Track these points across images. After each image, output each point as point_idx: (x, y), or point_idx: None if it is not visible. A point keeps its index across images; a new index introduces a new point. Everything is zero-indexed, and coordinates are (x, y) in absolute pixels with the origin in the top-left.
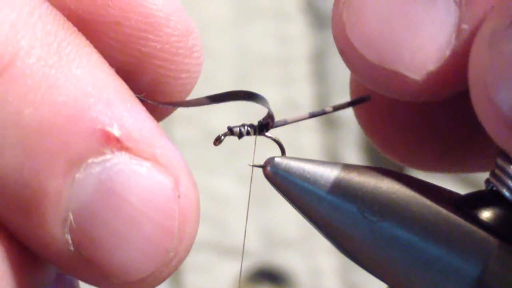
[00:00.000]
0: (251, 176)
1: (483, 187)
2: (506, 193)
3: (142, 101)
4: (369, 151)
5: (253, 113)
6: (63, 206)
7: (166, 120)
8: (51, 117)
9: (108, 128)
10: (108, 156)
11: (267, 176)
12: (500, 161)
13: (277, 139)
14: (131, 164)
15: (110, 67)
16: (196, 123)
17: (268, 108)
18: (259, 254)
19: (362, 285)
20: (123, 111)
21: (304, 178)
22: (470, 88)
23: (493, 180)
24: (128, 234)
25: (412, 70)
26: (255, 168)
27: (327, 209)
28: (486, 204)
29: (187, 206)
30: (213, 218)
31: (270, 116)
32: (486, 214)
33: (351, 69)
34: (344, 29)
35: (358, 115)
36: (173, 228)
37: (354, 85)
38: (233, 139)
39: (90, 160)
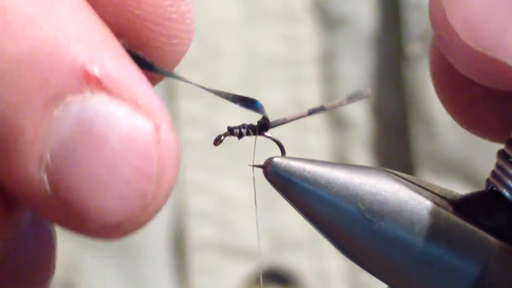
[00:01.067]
0: (253, 176)
1: (483, 187)
2: (506, 193)
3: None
4: (377, 152)
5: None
6: (39, 144)
7: (174, 120)
8: (30, 52)
9: (88, 67)
10: (87, 95)
11: (267, 176)
12: (500, 161)
13: (277, 139)
14: (111, 106)
15: (93, 11)
16: (203, 124)
17: (263, 112)
18: (267, 256)
19: (370, 287)
20: (104, 52)
21: (304, 178)
22: None
23: (493, 180)
24: (105, 176)
25: None
26: (259, 169)
27: (327, 209)
28: (486, 204)
29: (167, 151)
30: (221, 219)
31: (265, 119)
32: (486, 214)
33: (450, 56)
34: (444, 13)
35: (436, 84)
36: (151, 172)
37: (436, 57)
38: (240, 140)
39: (69, 98)
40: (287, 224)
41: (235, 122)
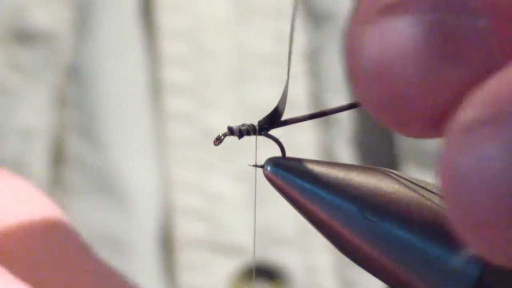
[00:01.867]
0: (255, 177)
1: None
2: None
3: None
4: (362, 147)
5: (253, 113)
6: None
7: (163, 118)
8: None
9: None
10: None
11: (267, 176)
12: None
13: (277, 139)
14: None
15: None
16: (192, 121)
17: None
18: (255, 252)
19: (358, 283)
20: None
21: (304, 178)
22: None
23: None
24: None
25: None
26: (250, 167)
27: (327, 209)
28: None
29: None
30: (209, 216)
31: (267, 117)
32: None
33: (360, 100)
34: (362, 56)
35: None
36: None
37: None
38: (229, 138)
39: None
40: (275, 220)
41: (225, 119)
